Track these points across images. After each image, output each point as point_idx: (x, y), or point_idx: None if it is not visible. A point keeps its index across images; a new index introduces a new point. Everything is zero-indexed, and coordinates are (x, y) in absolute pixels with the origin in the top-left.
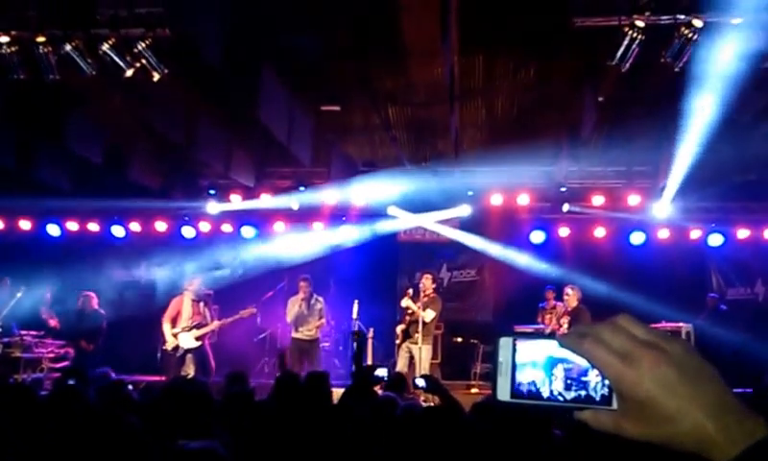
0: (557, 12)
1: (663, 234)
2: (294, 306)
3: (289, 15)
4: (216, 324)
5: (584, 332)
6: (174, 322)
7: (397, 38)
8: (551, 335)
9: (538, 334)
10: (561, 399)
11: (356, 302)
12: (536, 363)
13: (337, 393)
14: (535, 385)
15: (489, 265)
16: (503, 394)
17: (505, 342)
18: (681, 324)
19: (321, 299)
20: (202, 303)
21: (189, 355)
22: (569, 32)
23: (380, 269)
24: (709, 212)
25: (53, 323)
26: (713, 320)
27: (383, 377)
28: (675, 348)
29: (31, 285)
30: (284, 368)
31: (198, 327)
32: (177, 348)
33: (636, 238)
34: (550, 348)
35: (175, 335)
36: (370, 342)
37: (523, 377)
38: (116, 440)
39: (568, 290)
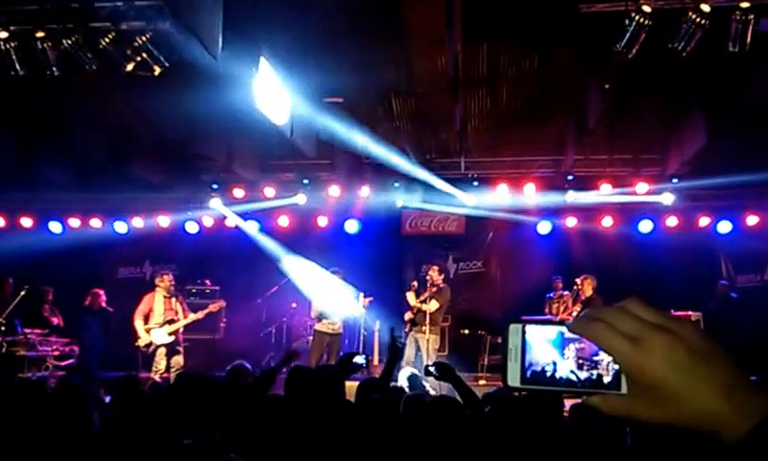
0: None
1: (672, 222)
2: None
3: (289, 5)
4: (189, 318)
5: (592, 317)
6: (146, 318)
7: (400, 28)
8: (560, 321)
9: (547, 320)
10: (573, 380)
11: (361, 295)
12: (547, 347)
13: (347, 386)
14: (546, 369)
15: (495, 256)
16: (514, 380)
17: (515, 328)
18: (690, 312)
19: None
20: (173, 299)
21: (161, 350)
22: (575, 18)
23: (386, 262)
24: (718, 199)
25: (56, 320)
26: (724, 307)
27: (362, 365)
28: (685, 330)
29: (33, 283)
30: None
31: (170, 322)
32: (150, 344)
33: (645, 226)
34: (561, 332)
35: (148, 331)
36: (376, 335)
37: (534, 362)
38: (123, 436)
39: (578, 280)
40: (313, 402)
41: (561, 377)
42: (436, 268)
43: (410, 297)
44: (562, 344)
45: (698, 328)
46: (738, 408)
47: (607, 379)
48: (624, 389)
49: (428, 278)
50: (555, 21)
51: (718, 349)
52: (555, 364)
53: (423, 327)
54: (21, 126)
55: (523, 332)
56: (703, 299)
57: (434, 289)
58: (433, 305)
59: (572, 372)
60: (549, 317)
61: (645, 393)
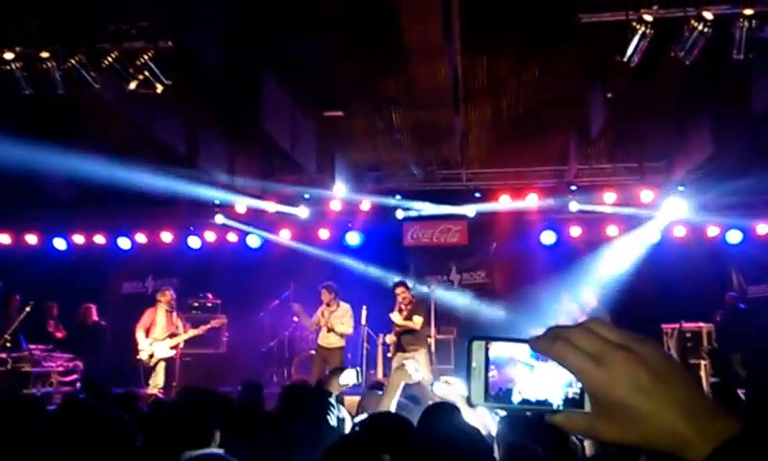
0: (562, 9)
1: (680, 232)
2: (316, 316)
3: (288, 21)
4: (189, 333)
5: (556, 335)
6: (147, 332)
7: (399, 40)
8: (525, 339)
9: (511, 337)
10: (542, 396)
11: (365, 308)
12: (515, 363)
13: (349, 400)
14: (512, 386)
15: (499, 266)
16: (477, 398)
17: (478, 345)
18: (701, 324)
19: (346, 305)
20: (174, 314)
21: (161, 364)
22: (575, 28)
23: (388, 274)
24: (727, 208)
25: (60, 336)
26: (732, 319)
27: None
28: (647, 350)
29: (38, 300)
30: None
31: (171, 336)
32: (151, 356)
33: (651, 236)
34: (530, 347)
35: (150, 344)
36: (380, 348)
37: (500, 379)
38: (125, 453)
39: (582, 290)
40: (306, 418)
41: (529, 394)
42: (402, 288)
43: (396, 317)
44: (531, 360)
45: (661, 349)
46: (700, 430)
47: (578, 395)
48: (588, 407)
49: (400, 298)
50: (555, 31)
51: (681, 370)
52: (523, 381)
53: (411, 348)
54: (26, 144)
55: (486, 350)
56: (713, 310)
57: (409, 306)
58: (418, 320)
59: (543, 388)
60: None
61: (608, 412)
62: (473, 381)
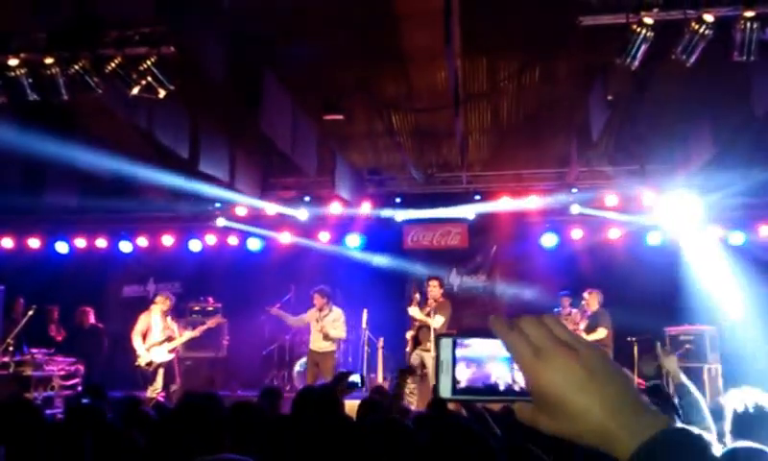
0: (562, 11)
1: (680, 234)
2: (301, 316)
3: (289, 24)
4: (184, 336)
5: (514, 323)
6: (144, 337)
7: (399, 43)
8: (492, 334)
9: (478, 333)
10: (513, 387)
11: (365, 311)
12: (484, 357)
13: (349, 405)
14: (481, 379)
15: (500, 270)
16: (444, 391)
17: (445, 342)
18: (704, 326)
19: (338, 310)
20: (168, 317)
21: (160, 370)
22: (575, 30)
23: (388, 277)
24: (729, 210)
25: (61, 338)
26: (732, 321)
27: (357, 384)
28: (588, 350)
29: (40, 303)
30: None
31: (169, 340)
32: (150, 362)
33: (653, 238)
34: (498, 341)
35: (148, 349)
36: (380, 352)
37: (469, 373)
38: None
39: (586, 295)
40: (317, 422)
41: (499, 386)
42: (436, 282)
43: (414, 311)
44: (501, 353)
45: (604, 355)
46: (626, 426)
47: None
48: None
49: (428, 291)
50: (555, 34)
51: (618, 372)
52: (493, 373)
53: (428, 344)
54: (28, 147)
55: (454, 345)
56: (714, 313)
57: (434, 304)
58: (438, 320)
59: (513, 380)
60: None
61: (544, 404)
62: (442, 376)
